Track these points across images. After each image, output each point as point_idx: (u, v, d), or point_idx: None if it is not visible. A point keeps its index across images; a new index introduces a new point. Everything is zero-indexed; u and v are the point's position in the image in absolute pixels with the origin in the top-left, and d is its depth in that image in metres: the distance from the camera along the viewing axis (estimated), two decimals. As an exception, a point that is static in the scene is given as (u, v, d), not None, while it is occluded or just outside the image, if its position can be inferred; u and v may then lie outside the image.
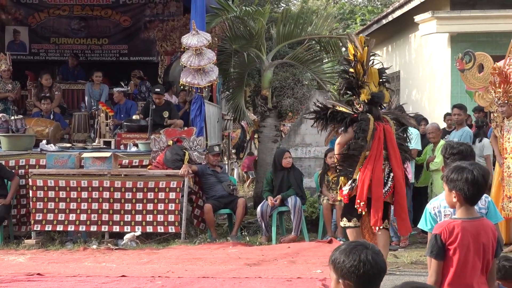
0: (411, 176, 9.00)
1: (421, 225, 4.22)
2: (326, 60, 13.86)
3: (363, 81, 7.00)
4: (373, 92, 7.01)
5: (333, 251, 2.72)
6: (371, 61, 7.22)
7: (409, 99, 15.76)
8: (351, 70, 7.09)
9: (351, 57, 7.09)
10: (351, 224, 6.99)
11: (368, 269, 2.61)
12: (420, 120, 10.31)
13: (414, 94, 15.82)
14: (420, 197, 9.45)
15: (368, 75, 7.06)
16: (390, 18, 16.36)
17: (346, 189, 6.96)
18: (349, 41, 7.26)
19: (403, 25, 15.83)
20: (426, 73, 14.89)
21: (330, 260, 2.70)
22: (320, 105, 7.21)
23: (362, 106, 7.05)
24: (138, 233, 9.03)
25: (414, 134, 9.45)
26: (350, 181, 6.96)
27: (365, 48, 7.08)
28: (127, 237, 8.94)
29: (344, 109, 7.12)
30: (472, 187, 3.51)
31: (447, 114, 11.15)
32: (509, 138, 8.27)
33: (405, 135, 7.37)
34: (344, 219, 7.06)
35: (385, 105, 7.37)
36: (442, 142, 9.06)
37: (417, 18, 13.46)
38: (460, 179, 3.53)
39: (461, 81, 12.31)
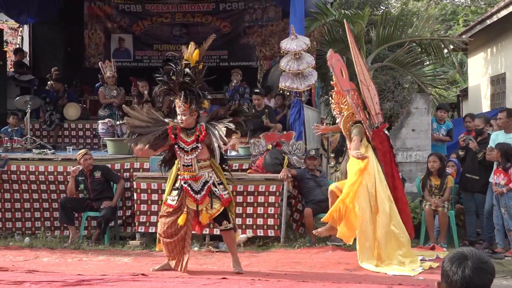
0: None
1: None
2: (428, 62, 13.57)
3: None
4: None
5: (445, 256, 2.71)
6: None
7: (515, 101, 15.19)
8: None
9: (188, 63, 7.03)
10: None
11: (467, 283, 2.56)
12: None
13: (521, 97, 15.22)
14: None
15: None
16: (494, 18, 15.80)
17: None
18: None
19: (509, 25, 15.27)
20: (533, 74, 14.32)
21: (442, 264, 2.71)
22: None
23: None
24: (250, 235, 9.09)
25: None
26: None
27: (196, 50, 6.99)
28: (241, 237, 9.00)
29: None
30: None
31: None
32: (349, 149, 8.11)
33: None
34: None
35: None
36: None
37: (524, 17, 12.96)
38: None
39: None
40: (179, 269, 7.25)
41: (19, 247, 9.20)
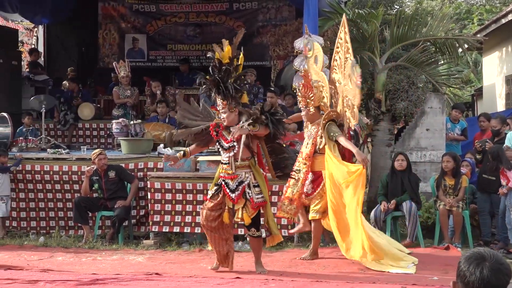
0: None
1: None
2: (442, 62, 13.50)
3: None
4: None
5: (462, 255, 2.70)
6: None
7: (530, 101, 15.10)
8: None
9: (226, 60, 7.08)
10: None
11: (485, 284, 2.55)
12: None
13: (536, 96, 15.12)
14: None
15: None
16: (509, 17, 15.70)
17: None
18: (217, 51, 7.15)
19: (524, 24, 15.17)
20: (549, 73, 14.21)
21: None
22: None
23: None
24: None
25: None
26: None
27: (228, 46, 7.10)
28: None
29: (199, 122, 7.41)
30: None
31: None
32: (307, 144, 7.99)
33: None
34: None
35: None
36: None
37: (539, 16, 12.87)
38: None
39: None
40: (228, 267, 7.39)
41: (34, 246, 9.26)
